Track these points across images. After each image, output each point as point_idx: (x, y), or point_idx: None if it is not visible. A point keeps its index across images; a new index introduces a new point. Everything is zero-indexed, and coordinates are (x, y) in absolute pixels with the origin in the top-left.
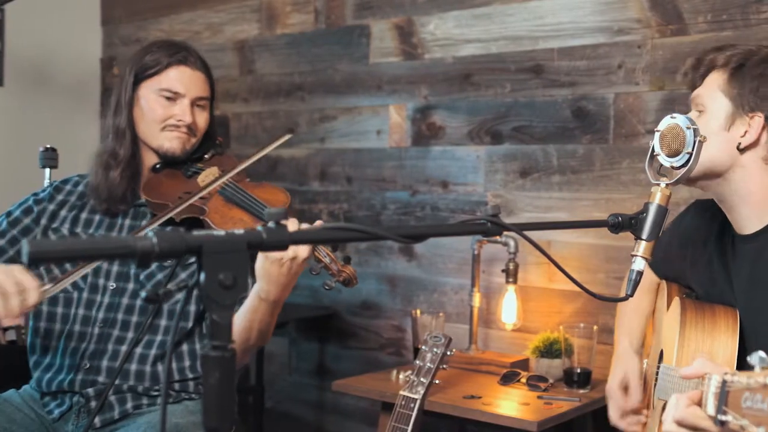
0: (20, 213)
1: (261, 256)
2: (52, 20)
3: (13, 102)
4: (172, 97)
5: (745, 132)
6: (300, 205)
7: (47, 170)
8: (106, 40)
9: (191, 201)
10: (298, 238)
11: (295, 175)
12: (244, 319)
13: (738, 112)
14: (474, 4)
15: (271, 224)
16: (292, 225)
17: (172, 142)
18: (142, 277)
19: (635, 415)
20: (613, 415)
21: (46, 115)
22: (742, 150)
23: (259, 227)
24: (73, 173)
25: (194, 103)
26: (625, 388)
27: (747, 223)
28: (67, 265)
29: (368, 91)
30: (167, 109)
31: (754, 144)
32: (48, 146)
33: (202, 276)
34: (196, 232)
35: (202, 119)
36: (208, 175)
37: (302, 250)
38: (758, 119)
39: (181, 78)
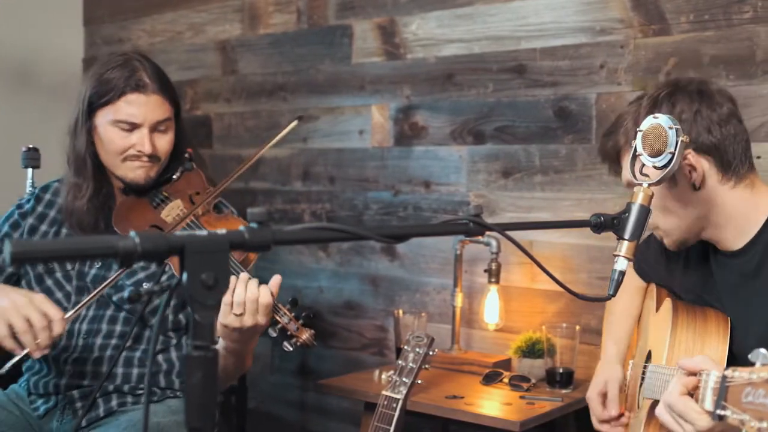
0: (9, 228)
1: (220, 320)
2: (34, 20)
3: None
4: (129, 128)
5: (690, 173)
6: (282, 206)
7: (30, 170)
8: (89, 40)
9: None
10: (280, 238)
11: (277, 175)
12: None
13: None
14: (456, 4)
15: (253, 224)
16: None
17: (135, 172)
18: (126, 289)
19: (614, 422)
20: (593, 421)
21: (28, 115)
22: (699, 188)
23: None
24: (55, 173)
25: (154, 129)
26: (605, 396)
27: (733, 242)
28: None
29: (351, 91)
30: (125, 139)
31: (704, 176)
32: (30, 146)
33: (185, 276)
34: (178, 232)
35: (164, 143)
36: (172, 208)
37: (261, 319)
38: (690, 155)
39: (136, 107)
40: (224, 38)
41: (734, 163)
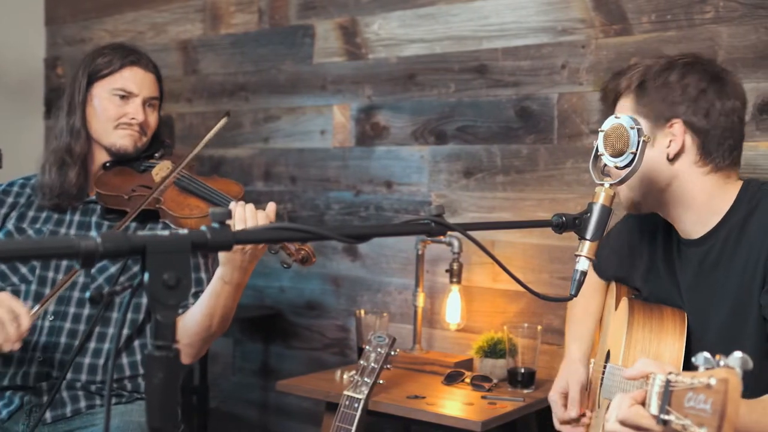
0: None
1: None
2: None
3: None
4: (126, 96)
5: (670, 142)
6: None
7: None
8: (50, 40)
9: (155, 194)
10: (241, 238)
11: (239, 175)
12: (206, 305)
13: (656, 126)
14: (418, 4)
15: (214, 224)
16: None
17: (124, 139)
18: (94, 270)
19: (575, 423)
20: (555, 422)
21: None
22: (672, 160)
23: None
24: (17, 174)
25: (146, 103)
26: (566, 396)
27: (693, 228)
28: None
29: (312, 91)
30: (120, 108)
31: (681, 150)
32: None
33: (146, 276)
34: (140, 233)
35: (152, 119)
36: (161, 168)
37: None
38: (677, 126)
39: (134, 78)
40: (186, 38)
41: (715, 154)
